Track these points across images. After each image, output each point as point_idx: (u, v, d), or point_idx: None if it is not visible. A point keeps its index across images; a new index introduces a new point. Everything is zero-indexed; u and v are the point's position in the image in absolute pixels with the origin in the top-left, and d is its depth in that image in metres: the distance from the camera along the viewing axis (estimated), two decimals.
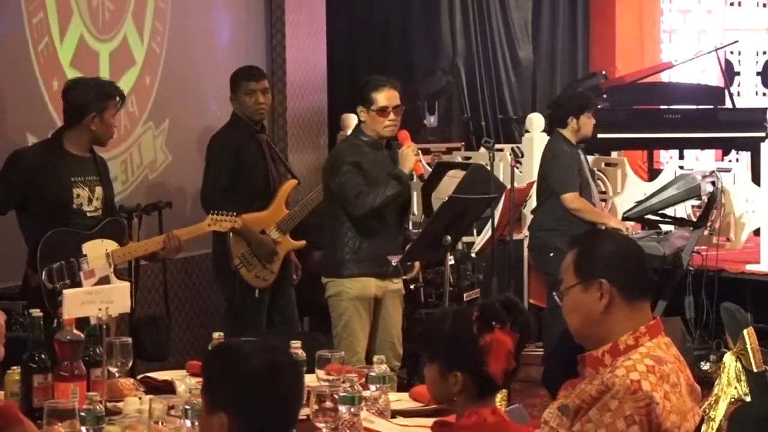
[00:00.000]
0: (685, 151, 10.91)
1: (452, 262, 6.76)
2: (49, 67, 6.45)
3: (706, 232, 8.21)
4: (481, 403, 3.00)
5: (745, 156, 10.83)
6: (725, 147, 10.72)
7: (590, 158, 8.04)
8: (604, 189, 9.42)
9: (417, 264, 6.54)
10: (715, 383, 5.38)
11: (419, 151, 6.02)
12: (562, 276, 3.15)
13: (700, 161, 11.15)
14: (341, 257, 5.89)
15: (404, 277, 6.33)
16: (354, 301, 5.91)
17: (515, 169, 6.85)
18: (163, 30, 7.37)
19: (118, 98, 5.54)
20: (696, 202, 8.54)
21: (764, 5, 12.48)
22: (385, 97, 5.86)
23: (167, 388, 4.02)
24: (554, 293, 3.25)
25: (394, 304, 6.07)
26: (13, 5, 6.27)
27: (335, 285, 5.94)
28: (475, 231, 7.76)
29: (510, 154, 6.90)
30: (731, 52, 12.20)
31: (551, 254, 7.38)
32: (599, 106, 8.76)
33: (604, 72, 10.88)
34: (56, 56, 6.51)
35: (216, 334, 4.11)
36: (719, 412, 5.27)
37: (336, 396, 3.52)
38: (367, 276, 5.90)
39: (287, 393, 2.65)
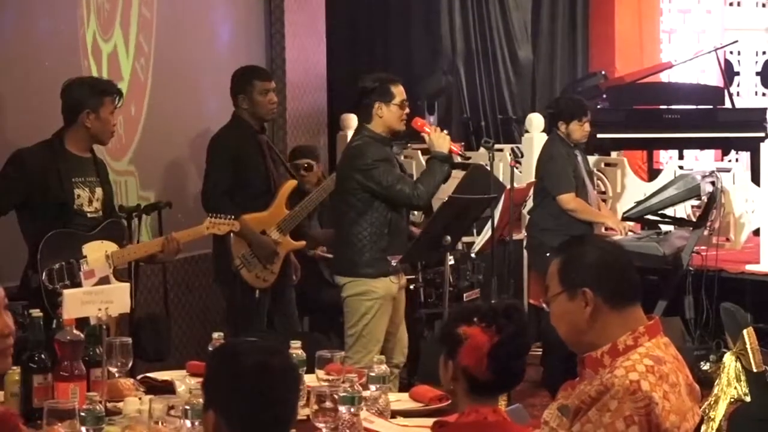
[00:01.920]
0: (685, 151, 10.92)
1: (452, 262, 6.77)
2: (83, 51, 6.58)
3: (705, 232, 8.21)
4: (481, 402, 3.00)
5: (745, 156, 10.83)
6: (725, 147, 10.72)
7: (590, 158, 8.04)
8: (604, 189, 9.43)
9: None
10: (715, 383, 5.38)
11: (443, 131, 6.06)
12: (547, 284, 3.17)
13: (700, 161, 11.16)
14: (368, 257, 5.86)
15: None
16: (380, 300, 5.89)
17: (515, 169, 6.85)
18: (149, 48, 7.33)
19: (115, 95, 5.53)
20: (696, 202, 8.54)
21: (764, 5, 12.49)
22: (401, 92, 5.94)
23: (167, 388, 4.02)
24: (541, 300, 3.27)
25: (401, 299, 6.09)
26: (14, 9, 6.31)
27: (359, 284, 5.89)
28: (475, 231, 7.76)
29: (510, 154, 6.90)
30: (731, 52, 12.20)
31: (548, 254, 7.36)
32: (599, 106, 8.77)
33: (603, 72, 10.89)
34: (85, 40, 6.61)
35: (216, 334, 4.12)
36: (719, 412, 5.27)
37: (336, 396, 3.53)
38: (387, 275, 5.90)
39: (275, 395, 2.65)
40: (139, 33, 7.13)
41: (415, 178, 6.16)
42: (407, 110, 5.97)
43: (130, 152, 7.07)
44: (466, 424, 2.99)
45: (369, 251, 5.86)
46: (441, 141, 5.93)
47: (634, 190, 9.28)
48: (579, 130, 7.60)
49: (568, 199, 7.48)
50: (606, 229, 8.05)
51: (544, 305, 3.22)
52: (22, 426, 2.88)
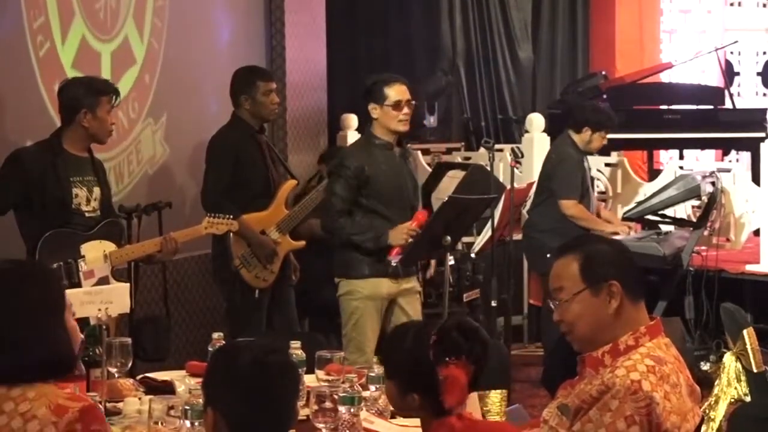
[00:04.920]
0: (685, 152, 10.92)
1: (452, 262, 6.76)
2: (51, 70, 6.40)
3: (706, 233, 8.21)
4: (447, 415, 3.01)
5: (745, 156, 10.83)
6: (725, 147, 10.73)
7: (590, 158, 8.05)
8: (604, 189, 9.43)
9: (432, 262, 6.49)
10: (715, 383, 5.37)
11: (411, 238, 5.86)
12: (559, 284, 3.12)
13: (700, 161, 11.16)
14: (349, 258, 5.88)
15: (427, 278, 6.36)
16: (365, 300, 5.90)
17: (515, 169, 6.85)
18: (162, 26, 7.35)
19: (112, 94, 5.52)
20: (696, 203, 8.54)
21: (764, 5, 12.49)
22: (397, 91, 5.87)
23: (167, 388, 4.02)
24: (549, 302, 3.23)
25: (410, 304, 6.04)
26: (13, 8, 6.24)
27: (347, 284, 5.93)
28: (475, 231, 7.75)
29: (510, 155, 6.89)
30: (731, 53, 12.20)
31: (548, 255, 7.37)
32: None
33: (604, 72, 10.88)
34: (58, 59, 6.49)
35: (216, 334, 4.12)
36: (719, 413, 5.27)
37: (336, 396, 3.52)
38: (380, 277, 5.89)
39: (273, 394, 2.65)
40: (139, 33, 7.14)
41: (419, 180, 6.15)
42: (406, 110, 5.90)
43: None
44: None
45: (351, 252, 5.88)
46: (397, 236, 5.80)
47: (634, 190, 9.28)
48: (600, 141, 7.62)
49: (569, 205, 7.47)
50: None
51: (552, 305, 3.18)
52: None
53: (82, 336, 3.72)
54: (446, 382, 2.96)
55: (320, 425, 3.50)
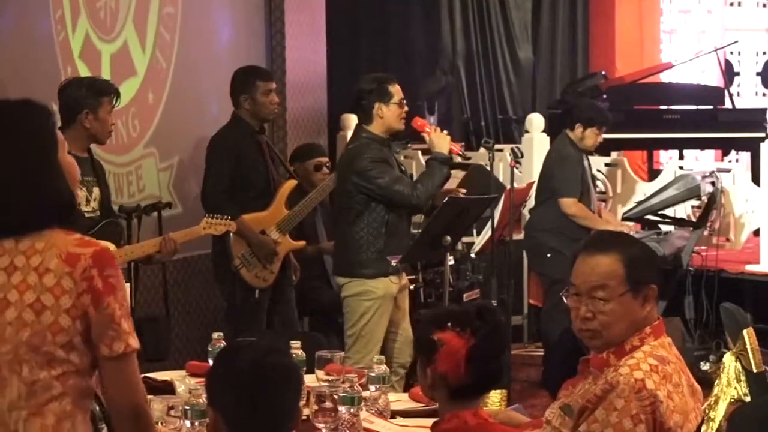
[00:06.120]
0: (685, 152, 10.92)
1: (452, 262, 6.76)
2: (65, 55, 6.51)
3: (705, 233, 8.21)
4: (462, 407, 2.99)
5: (745, 156, 10.83)
6: (725, 147, 10.73)
7: (590, 158, 8.05)
8: (604, 189, 9.43)
9: None
10: (715, 383, 5.37)
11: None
12: (602, 282, 3.06)
13: (700, 161, 11.15)
14: (365, 258, 5.86)
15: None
16: (380, 300, 5.88)
17: (515, 169, 6.84)
18: (171, 40, 7.33)
19: (113, 95, 5.53)
20: (696, 203, 8.54)
21: (764, 5, 12.49)
22: (398, 90, 5.94)
23: (167, 388, 4.02)
24: (565, 296, 3.15)
25: (403, 299, 6.08)
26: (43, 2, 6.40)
27: (357, 284, 5.89)
28: (474, 231, 7.75)
29: (510, 155, 6.89)
30: (731, 53, 12.20)
31: (548, 255, 7.38)
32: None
33: (604, 72, 10.88)
34: (69, 47, 6.56)
35: (216, 334, 4.12)
36: (719, 413, 5.26)
37: (336, 396, 3.53)
38: (387, 275, 5.90)
39: (270, 396, 2.65)
40: (140, 41, 7.13)
41: (414, 179, 6.16)
42: (406, 108, 5.97)
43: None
44: (447, 430, 2.99)
45: (366, 252, 5.86)
46: (441, 141, 5.92)
47: (634, 190, 9.28)
48: (594, 137, 7.58)
49: (569, 204, 7.45)
50: None
51: (572, 298, 3.09)
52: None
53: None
54: (441, 345, 2.94)
55: (320, 425, 3.50)
